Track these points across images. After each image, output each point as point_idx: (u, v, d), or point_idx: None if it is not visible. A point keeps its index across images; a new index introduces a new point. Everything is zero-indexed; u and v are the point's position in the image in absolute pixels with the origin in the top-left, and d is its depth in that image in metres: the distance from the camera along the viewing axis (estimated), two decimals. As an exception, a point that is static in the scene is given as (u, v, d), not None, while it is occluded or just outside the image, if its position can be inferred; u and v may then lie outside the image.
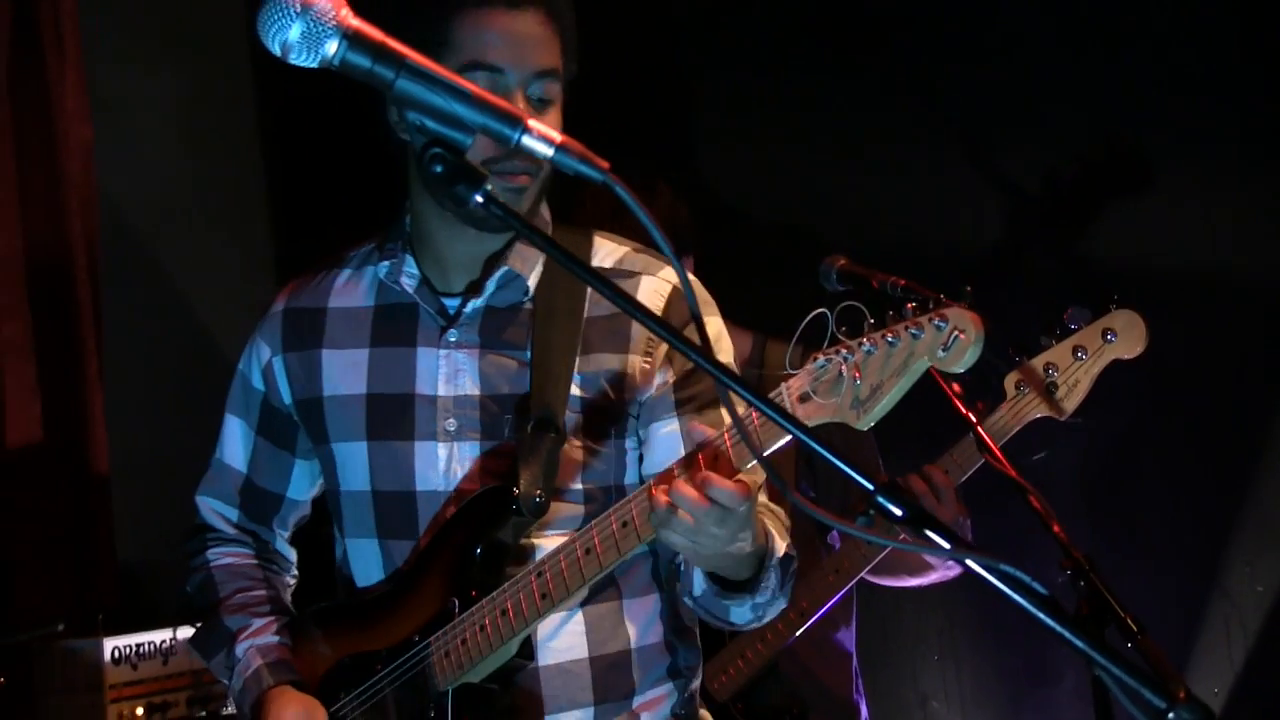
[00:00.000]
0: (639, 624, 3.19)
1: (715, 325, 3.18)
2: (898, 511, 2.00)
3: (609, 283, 2.16)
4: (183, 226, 6.19)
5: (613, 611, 3.16)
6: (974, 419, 3.53)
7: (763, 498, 3.07)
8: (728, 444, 2.74)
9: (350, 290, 3.27)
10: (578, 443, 3.10)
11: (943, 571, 4.43)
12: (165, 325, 6.09)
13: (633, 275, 3.16)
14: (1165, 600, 4.93)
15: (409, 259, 3.18)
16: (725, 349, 3.19)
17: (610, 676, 3.16)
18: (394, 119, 3.11)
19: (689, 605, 3.15)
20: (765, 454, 2.65)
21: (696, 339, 3.04)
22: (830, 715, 4.49)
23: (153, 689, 4.68)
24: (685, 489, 2.64)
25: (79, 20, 5.60)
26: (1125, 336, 3.78)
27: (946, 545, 2.01)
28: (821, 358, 2.63)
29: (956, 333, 2.53)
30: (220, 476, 3.47)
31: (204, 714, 4.76)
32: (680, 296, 3.12)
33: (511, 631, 2.97)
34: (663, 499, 2.68)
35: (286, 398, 3.32)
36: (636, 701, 3.19)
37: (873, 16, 5.49)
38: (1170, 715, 1.90)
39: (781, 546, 2.98)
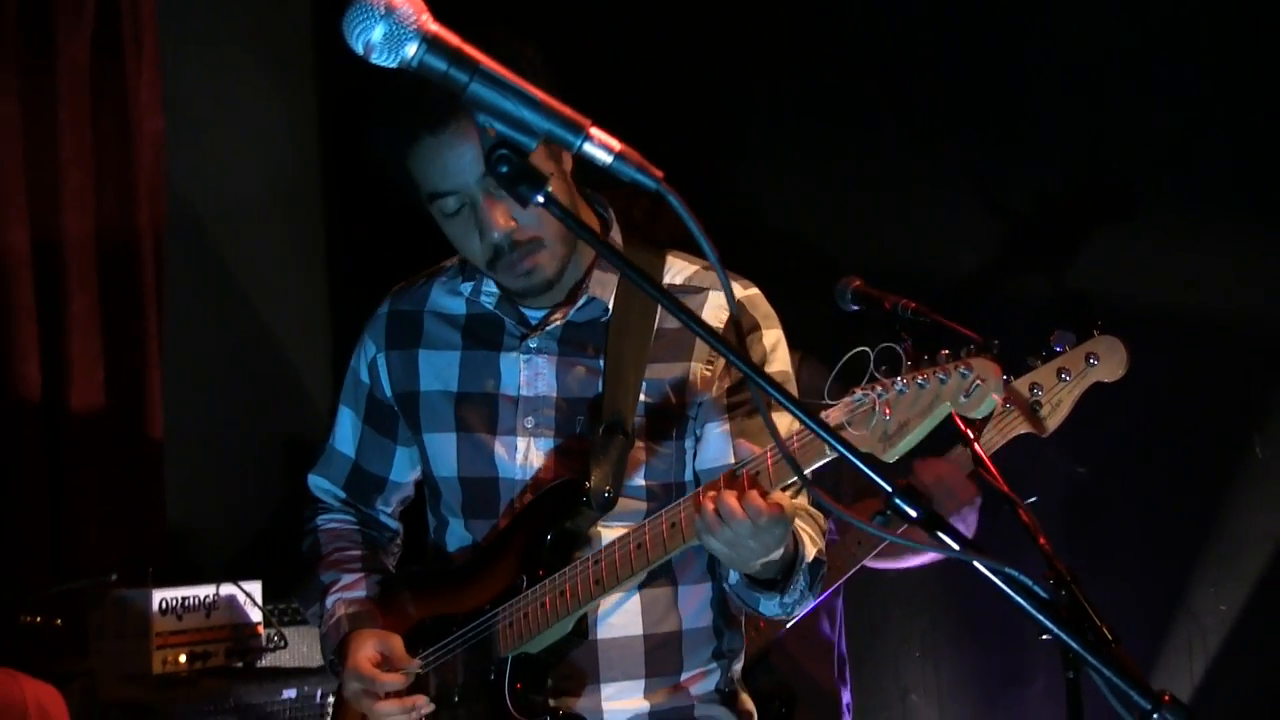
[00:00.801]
0: (690, 610, 3.24)
1: (774, 336, 3.23)
2: (913, 513, 2.00)
3: (671, 296, 2.17)
4: (242, 216, 6.22)
5: (666, 596, 3.21)
6: (970, 434, 3.52)
7: (802, 500, 3.09)
8: (769, 463, 2.79)
9: (446, 297, 3.35)
10: (643, 444, 3.16)
11: (928, 556, 4.41)
12: (220, 308, 6.12)
13: (700, 291, 3.22)
14: (1132, 616, 4.91)
15: (487, 280, 3.24)
16: (781, 358, 3.23)
17: (660, 653, 3.21)
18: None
19: (726, 591, 3.21)
20: (806, 471, 2.72)
21: (756, 350, 3.18)
22: (815, 702, 4.48)
23: (195, 639, 4.69)
24: (731, 502, 2.72)
25: (157, 21, 5.63)
26: (1107, 361, 3.78)
27: (956, 546, 2.00)
28: (859, 392, 2.68)
29: (978, 381, 2.59)
30: (331, 461, 3.55)
31: (240, 665, 4.77)
32: (743, 310, 3.19)
33: (567, 610, 3.04)
34: (710, 508, 2.75)
35: (388, 391, 3.40)
36: (684, 676, 3.23)
37: (885, 56, 5.48)
38: (1155, 716, 1.90)
39: (811, 551, 3.01)
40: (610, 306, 3.19)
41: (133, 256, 5.53)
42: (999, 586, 1.96)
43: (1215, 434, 4.89)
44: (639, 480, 3.17)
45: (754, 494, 2.73)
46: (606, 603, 3.14)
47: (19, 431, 5.23)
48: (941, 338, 4.16)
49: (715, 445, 3.17)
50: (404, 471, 3.51)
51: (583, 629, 3.11)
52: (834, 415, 2.72)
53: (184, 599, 4.69)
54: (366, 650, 3.18)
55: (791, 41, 5.73)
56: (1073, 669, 3.90)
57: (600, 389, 3.17)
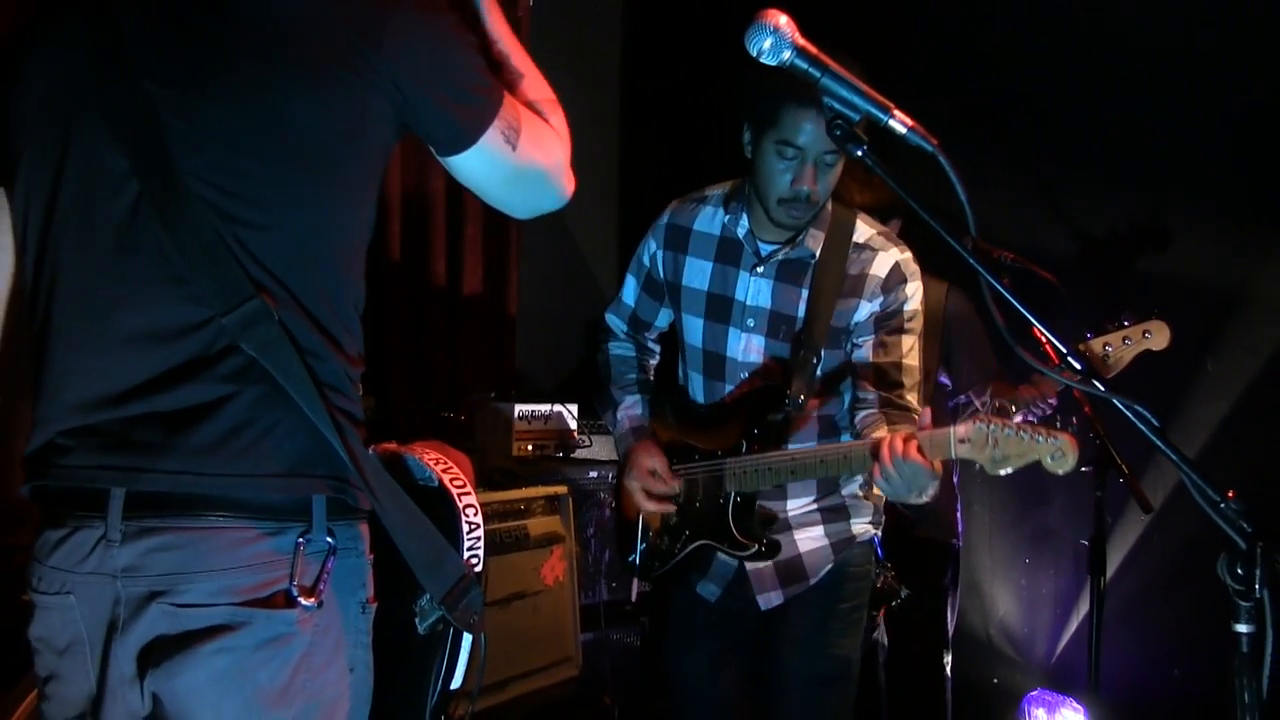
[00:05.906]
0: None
1: (914, 286, 3.03)
2: (1078, 366, 1.96)
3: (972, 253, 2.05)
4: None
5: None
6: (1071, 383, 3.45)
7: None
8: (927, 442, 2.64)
9: (708, 219, 3.21)
10: (824, 354, 3.04)
11: (1042, 408, 4.29)
12: (554, 235, 6.13)
13: (874, 250, 3.04)
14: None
15: (744, 216, 3.12)
16: (916, 300, 3.04)
17: (826, 483, 3.13)
18: (746, 142, 3.01)
19: None
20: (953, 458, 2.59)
21: (901, 293, 3.00)
22: (937, 517, 4.42)
23: (537, 437, 4.77)
24: (912, 454, 2.58)
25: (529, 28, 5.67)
26: (1157, 336, 3.73)
27: (1102, 388, 1.96)
28: (981, 424, 2.57)
29: (1061, 451, 2.49)
30: (619, 307, 3.44)
31: (562, 455, 4.85)
32: (896, 269, 3.01)
33: (770, 482, 2.98)
34: (885, 455, 2.62)
35: (660, 275, 3.29)
36: (845, 491, 3.17)
37: (994, 99, 5.05)
38: (1222, 505, 1.85)
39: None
40: (816, 253, 3.04)
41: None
42: (1128, 415, 1.90)
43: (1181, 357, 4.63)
44: (818, 384, 3.04)
45: (914, 449, 2.59)
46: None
47: (432, 304, 5.33)
48: (1030, 277, 4.06)
49: (860, 351, 3.01)
50: (663, 320, 3.41)
51: (781, 486, 3.05)
52: (961, 431, 2.58)
53: (532, 411, 4.76)
54: (644, 461, 3.14)
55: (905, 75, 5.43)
56: (1098, 494, 3.86)
57: (801, 311, 3.04)
